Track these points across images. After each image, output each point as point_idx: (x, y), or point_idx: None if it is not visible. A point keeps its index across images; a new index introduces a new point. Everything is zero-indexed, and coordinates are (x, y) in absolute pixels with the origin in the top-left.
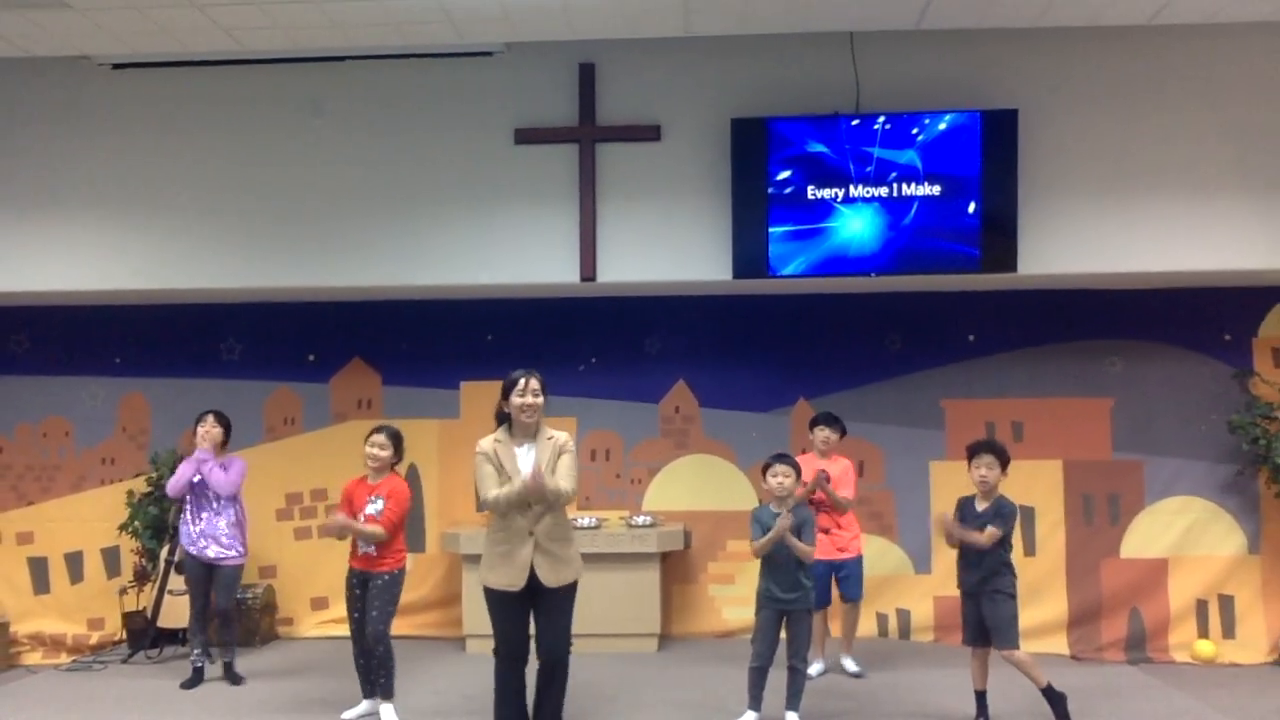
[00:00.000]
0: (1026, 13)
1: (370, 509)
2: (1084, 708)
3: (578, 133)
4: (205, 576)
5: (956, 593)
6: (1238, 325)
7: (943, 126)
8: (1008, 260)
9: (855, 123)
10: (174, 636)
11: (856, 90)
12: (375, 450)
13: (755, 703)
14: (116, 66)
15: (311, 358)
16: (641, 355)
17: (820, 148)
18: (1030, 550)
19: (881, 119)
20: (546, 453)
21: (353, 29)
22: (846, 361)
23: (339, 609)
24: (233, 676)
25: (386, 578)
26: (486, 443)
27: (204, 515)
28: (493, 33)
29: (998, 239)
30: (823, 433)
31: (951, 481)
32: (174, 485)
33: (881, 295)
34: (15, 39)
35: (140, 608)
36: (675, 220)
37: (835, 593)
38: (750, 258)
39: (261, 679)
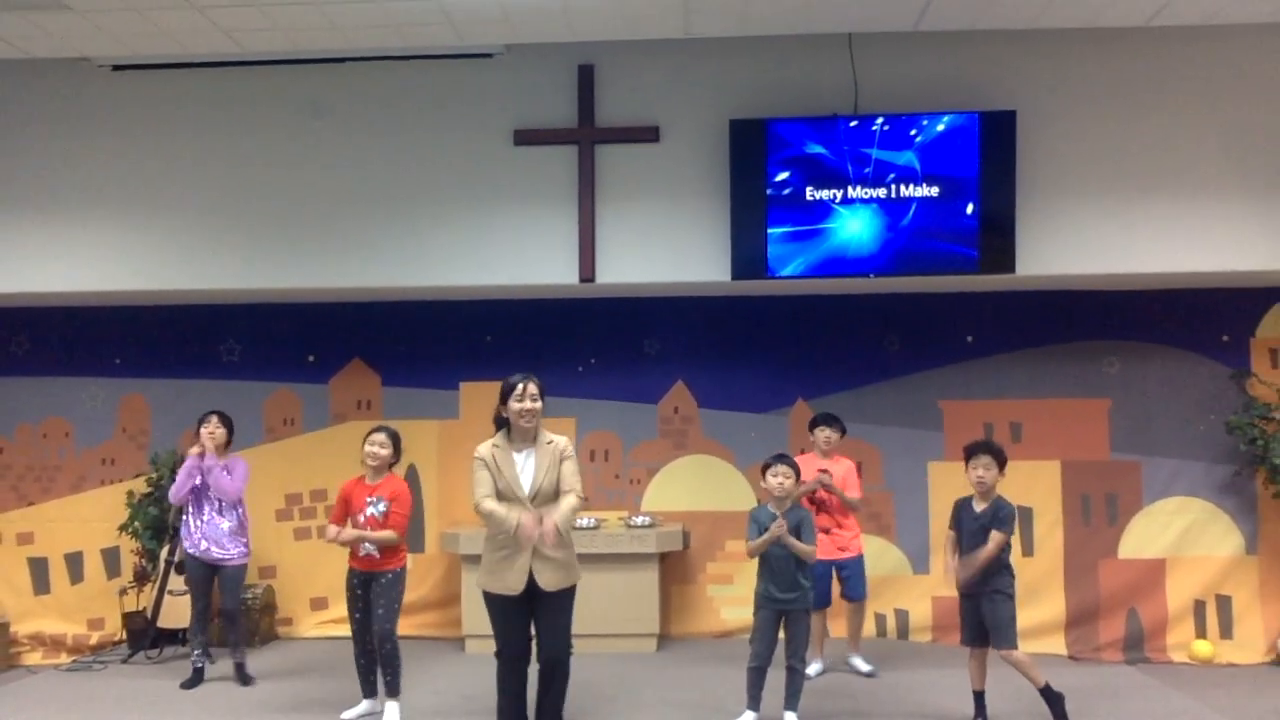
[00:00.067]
0: (1025, 14)
1: (371, 510)
2: (1082, 708)
3: (577, 134)
4: (207, 577)
5: (954, 593)
6: (1235, 326)
7: (941, 128)
8: (1006, 261)
9: (854, 124)
10: (174, 637)
11: (855, 91)
12: (376, 449)
13: (754, 703)
14: (116, 68)
15: (311, 358)
16: (640, 356)
17: (819, 149)
18: (1028, 550)
19: (880, 120)
20: (546, 458)
21: (352, 31)
22: (845, 362)
23: (338, 609)
24: (243, 677)
25: (390, 576)
26: (485, 448)
27: (206, 516)
28: (492, 34)
29: (996, 240)
30: (824, 433)
31: (949, 482)
32: (176, 494)
33: (880, 296)
34: (15, 40)
35: (140, 608)
36: (674, 221)
37: (836, 594)
38: (749, 259)
39: (261, 679)
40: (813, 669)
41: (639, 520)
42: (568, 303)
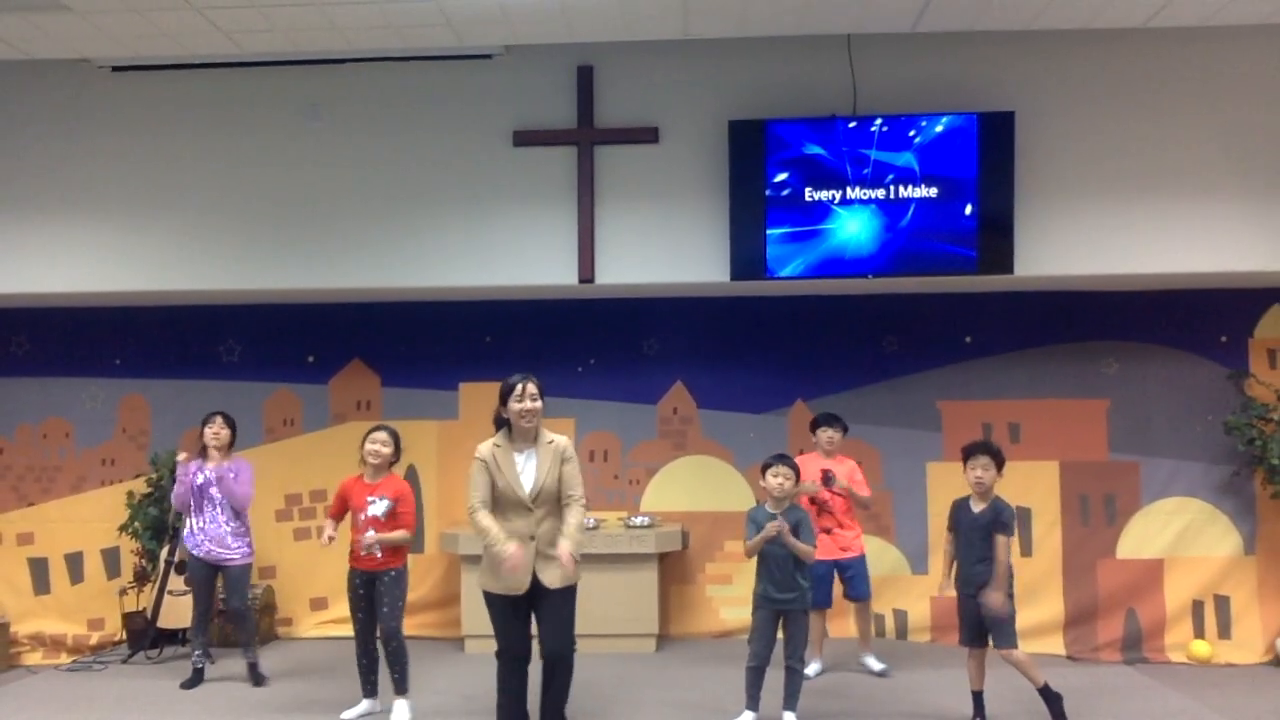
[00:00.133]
0: (1023, 15)
1: (373, 510)
2: (1080, 708)
3: (576, 135)
4: (210, 578)
5: (953, 593)
6: (1234, 327)
7: (940, 129)
8: (1004, 262)
9: (852, 125)
10: (174, 637)
11: (854, 92)
12: (377, 447)
13: (753, 703)
14: (116, 69)
15: (311, 359)
16: (640, 356)
17: (818, 150)
18: (1027, 551)
19: (879, 121)
20: (547, 458)
21: (352, 32)
22: (844, 363)
23: (338, 609)
24: (256, 677)
25: (393, 574)
26: (485, 448)
27: (208, 516)
28: (492, 35)
29: (994, 241)
30: (826, 433)
31: (948, 482)
32: (179, 502)
33: (879, 297)
34: (15, 41)
35: (140, 608)
36: (673, 222)
37: (837, 594)
38: (748, 259)
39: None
40: (812, 669)
41: (638, 520)
42: (567, 303)
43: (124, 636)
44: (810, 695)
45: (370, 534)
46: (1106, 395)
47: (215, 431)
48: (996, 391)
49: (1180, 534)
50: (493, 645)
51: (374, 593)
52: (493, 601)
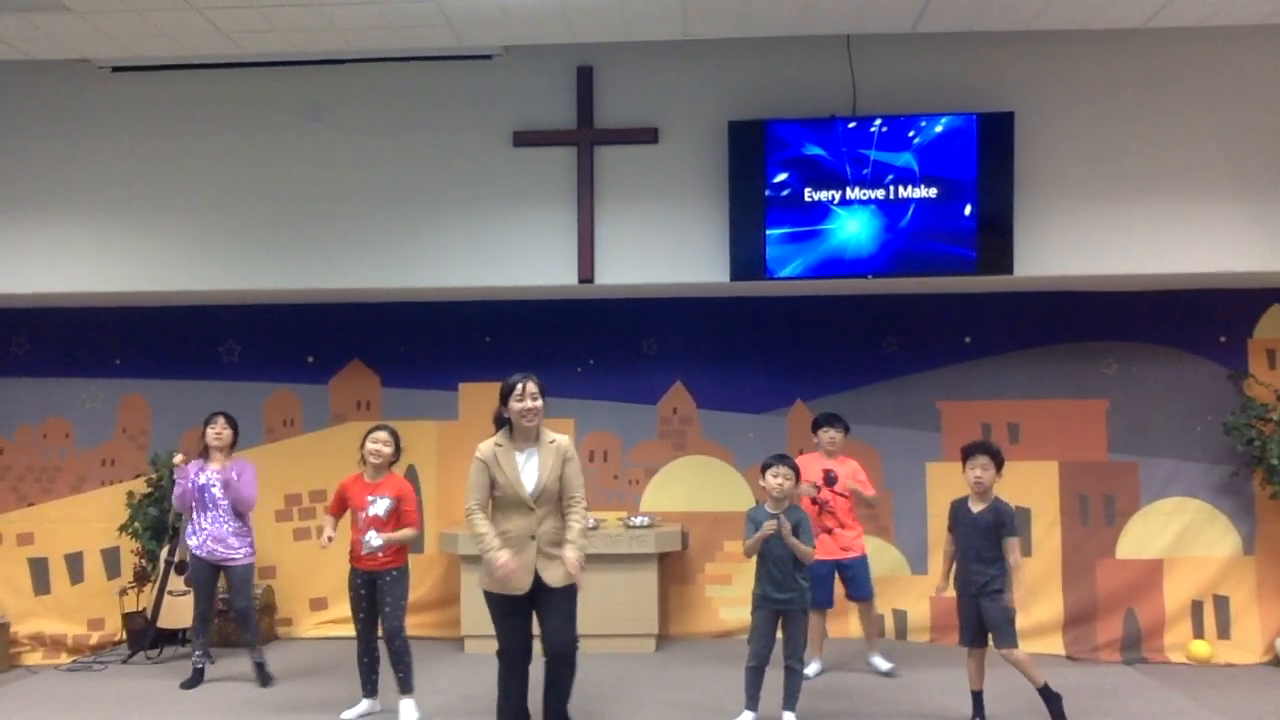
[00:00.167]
0: (1023, 15)
1: (374, 509)
2: (1079, 708)
3: (576, 135)
4: (211, 578)
5: (952, 593)
6: (1233, 327)
7: (939, 129)
8: (1004, 262)
9: (852, 125)
10: (174, 637)
11: (853, 93)
12: (379, 447)
13: (752, 703)
14: (116, 69)
15: (311, 359)
16: (639, 357)
17: (817, 150)
18: (1026, 551)
19: (878, 121)
20: (550, 458)
21: (352, 32)
22: (843, 363)
23: (338, 609)
24: (264, 676)
25: (395, 573)
26: (486, 447)
27: (209, 517)
28: (492, 36)
29: (994, 241)
30: (828, 433)
31: (947, 483)
32: (179, 501)
33: (878, 297)
34: (15, 42)
35: (140, 608)
36: (673, 222)
37: (840, 595)
38: (748, 260)
39: None
40: (811, 669)
41: (638, 520)
42: (567, 304)
43: (124, 636)
44: (810, 695)
45: (380, 535)
46: (1106, 395)
47: (218, 432)
48: (996, 392)
49: (1179, 534)
50: (493, 645)
51: (375, 593)
52: (494, 601)
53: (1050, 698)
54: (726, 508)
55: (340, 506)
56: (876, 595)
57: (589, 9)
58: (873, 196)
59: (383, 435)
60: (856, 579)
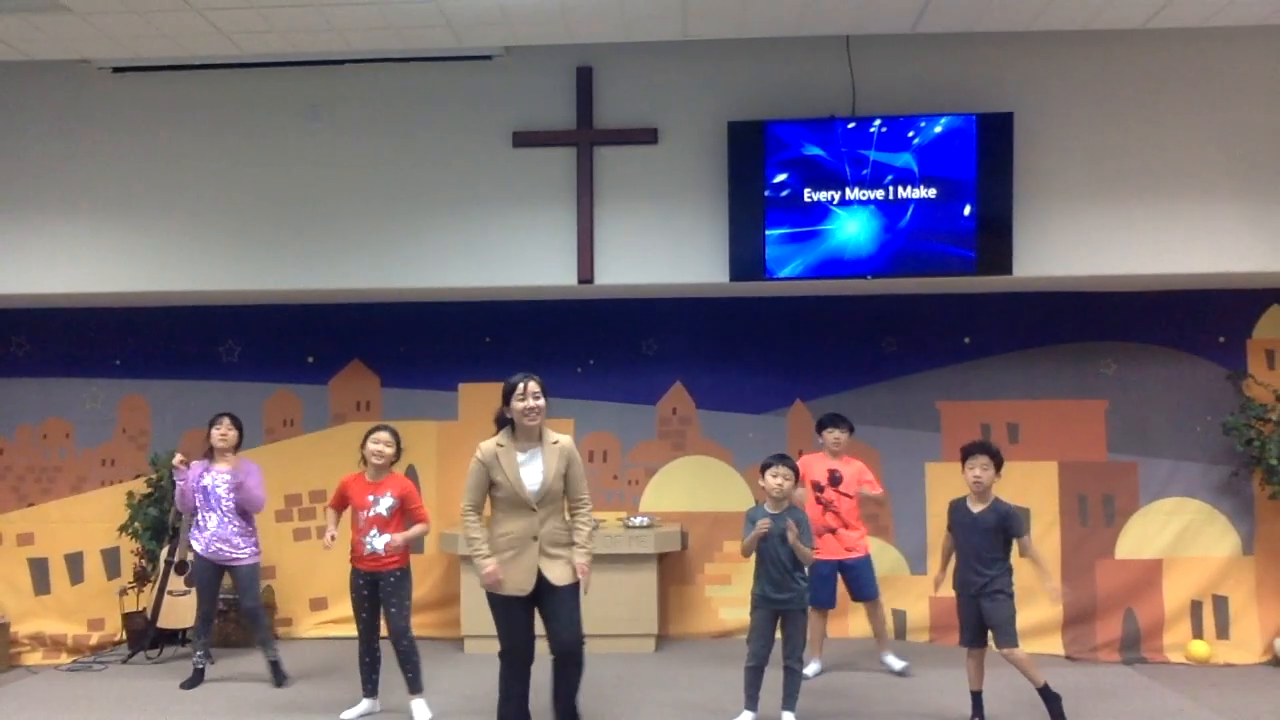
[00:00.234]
0: (1022, 16)
1: (377, 509)
2: (1079, 708)
3: (576, 136)
4: (215, 579)
5: (952, 593)
6: (1232, 327)
7: (938, 129)
8: (1003, 263)
9: (851, 126)
10: (174, 637)
11: (853, 93)
12: (381, 447)
13: (751, 703)
14: (116, 70)
15: (310, 359)
16: (639, 357)
17: (817, 150)
18: (1026, 551)
19: (877, 122)
20: (554, 459)
21: (352, 33)
22: (843, 363)
23: (338, 609)
24: (279, 676)
25: (398, 573)
26: (488, 446)
27: (214, 518)
28: (491, 36)
29: (993, 241)
30: (832, 434)
31: (947, 483)
32: (182, 502)
33: (877, 297)
34: (15, 42)
35: (140, 608)
36: (673, 223)
37: (841, 596)
38: (747, 260)
39: (261, 679)
40: (810, 669)
41: (637, 521)
42: (566, 304)
43: (124, 636)
44: (809, 695)
45: (397, 536)
46: (1105, 396)
47: (223, 433)
48: (995, 392)
49: (1179, 534)
50: (492, 645)
51: (378, 593)
52: (497, 602)
53: (1050, 698)
54: (726, 508)
55: (341, 502)
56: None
57: (589, 9)
58: (872, 197)
59: (384, 436)
60: (860, 579)
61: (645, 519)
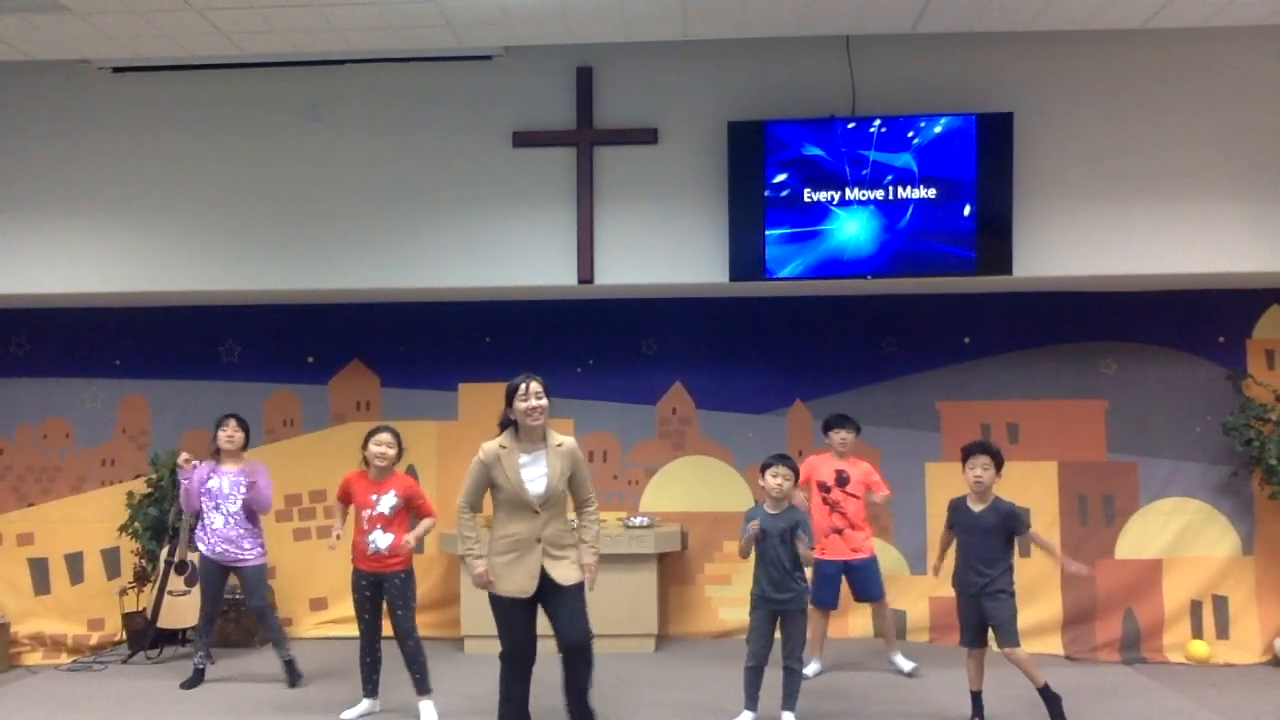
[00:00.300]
0: (1022, 16)
1: (380, 507)
2: (1079, 708)
3: (576, 136)
4: (220, 579)
5: (951, 593)
6: (1232, 327)
7: (938, 129)
8: (1003, 263)
9: (851, 126)
10: (174, 637)
11: (853, 93)
12: (384, 449)
13: (751, 703)
14: (116, 70)
15: (310, 359)
16: (639, 357)
17: (816, 151)
18: (1025, 551)
19: (877, 122)
20: (559, 462)
21: (352, 33)
22: (843, 363)
23: (338, 609)
24: (293, 675)
25: (403, 575)
26: (490, 447)
27: (220, 519)
28: (491, 37)
29: (993, 241)
30: (839, 434)
31: (947, 483)
32: (189, 504)
33: (877, 297)
34: (15, 42)
35: (140, 608)
36: (672, 223)
37: (844, 597)
38: (747, 260)
39: (262, 680)
40: (810, 669)
41: (637, 521)
42: (566, 304)
43: (124, 636)
44: (809, 695)
45: (409, 536)
46: (1105, 396)
47: (229, 435)
48: (995, 392)
49: (1179, 534)
50: (493, 645)
51: (381, 595)
52: (499, 603)
53: (1050, 698)
54: (726, 508)
55: (346, 499)
56: None
57: (589, 9)
58: (872, 197)
59: (386, 437)
60: (866, 580)
61: (645, 519)
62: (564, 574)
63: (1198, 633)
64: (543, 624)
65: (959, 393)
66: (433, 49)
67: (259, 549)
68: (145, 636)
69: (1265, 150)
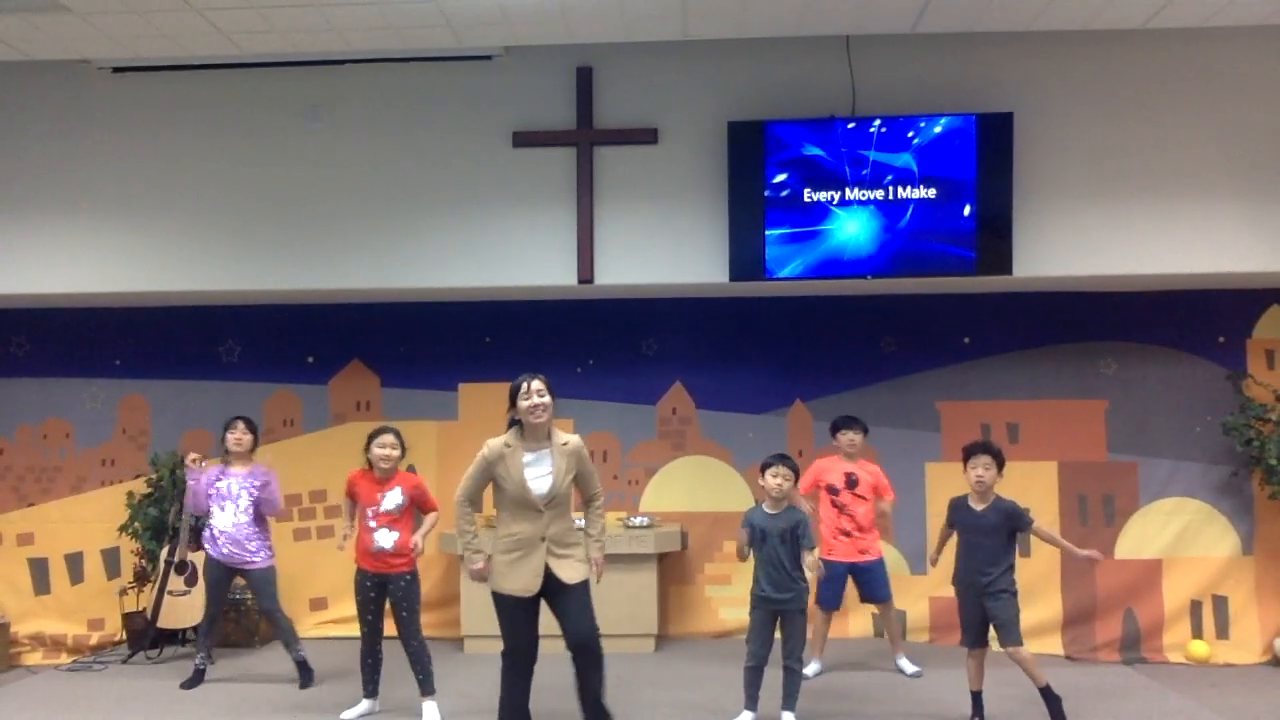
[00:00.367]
0: (1022, 16)
1: (385, 505)
2: (1079, 708)
3: (576, 136)
4: (225, 580)
5: (952, 593)
6: (1232, 327)
7: (938, 129)
8: (1003, 263)
9: (851, 126)
10: (174, 637)
11: (852, 93)
12: (388, 450)
13: (751, 702)
14: (117, 70)
15: (310, 359)
16: (639, 357)
17: (816, 151)
18: (1025, 551)
19: (877, 122)
20: (564, 461)
21: (352, 33)
22: (842, 363)
23: (338, 609)
24: (305, 674)
25: (409, 578)
26: (495, 444)
27: (227, 520)
28: (491, 36)
29: (993, 241)
30: (847, 436)
31: (947, 483)
32: (195, 505)
33: (877, 297)
34: (15, 42)
35: (140, 608)
36: (672, 223)
37: (848, 597)
38: (747, 260)
39: (262, 680)
40: (810, 669)
41: (637, 521)
42: (566, 304)
43: (124, 636)
44: (809, 695)
45: (417, 537)
46: (1105, 396)
47: (238, 438)
48: (995, 392)
49: (1178, 534)
50: (493, 645)
51: (385, 596)
52: (502, 602)
53: (1051, 699)
54: (726, 508)
55: (354, 495)
56: None
57: (589, 9)
58: (872, 197)
59: (389, 439)
60: (873, 581)
61: (645, 519)
62: (569, 572)
63: (1198, 633)
64: (545, 624)
65: (959, 393)
66: (433, 49)
67: (266, 551)
68: (145, 636)
69: (1265, 150)
